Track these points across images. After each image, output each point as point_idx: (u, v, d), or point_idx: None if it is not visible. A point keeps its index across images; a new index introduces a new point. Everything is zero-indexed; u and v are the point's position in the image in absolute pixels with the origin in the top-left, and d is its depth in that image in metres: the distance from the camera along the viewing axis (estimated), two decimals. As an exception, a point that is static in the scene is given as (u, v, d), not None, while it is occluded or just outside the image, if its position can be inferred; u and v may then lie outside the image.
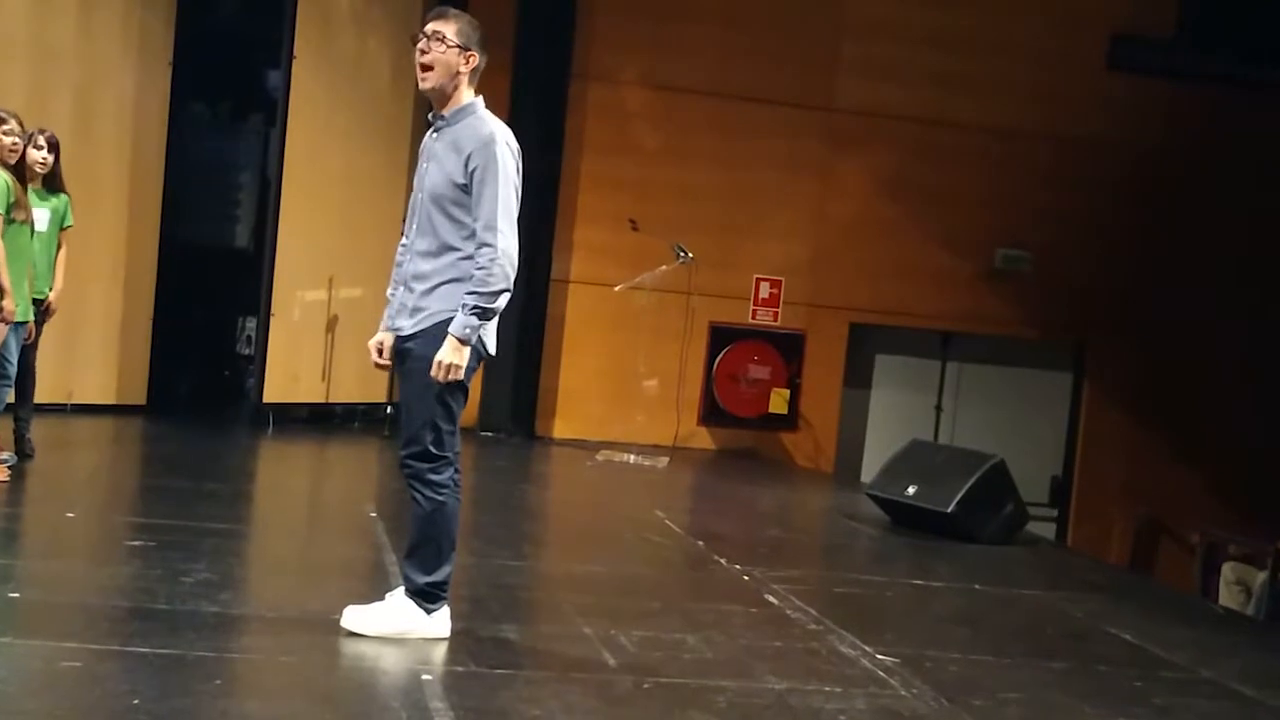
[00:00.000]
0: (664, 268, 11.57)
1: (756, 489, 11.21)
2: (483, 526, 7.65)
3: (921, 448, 9.76)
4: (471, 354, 4.88)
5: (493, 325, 5.00)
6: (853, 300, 13.46)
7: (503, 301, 4.86)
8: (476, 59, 4.97)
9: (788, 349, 13.39)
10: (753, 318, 13.31)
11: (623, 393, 12.41)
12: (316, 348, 11.55)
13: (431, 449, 4.90)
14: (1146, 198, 13.69)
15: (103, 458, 9.83)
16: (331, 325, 11.57)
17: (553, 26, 12.71)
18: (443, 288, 4.90)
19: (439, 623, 5.04)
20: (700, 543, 8.09)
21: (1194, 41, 13.65)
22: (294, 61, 11.00)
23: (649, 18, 12.96)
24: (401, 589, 5.09)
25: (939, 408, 13.95)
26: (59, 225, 8.32)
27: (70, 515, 7.03)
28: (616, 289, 11.63)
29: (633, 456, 11.42)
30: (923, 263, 13.45)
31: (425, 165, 5.01)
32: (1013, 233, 13.64)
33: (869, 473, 12.13)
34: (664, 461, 11.51)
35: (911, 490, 8.93)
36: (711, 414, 13.30)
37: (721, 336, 13.25)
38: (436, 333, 4.85)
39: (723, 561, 7.41)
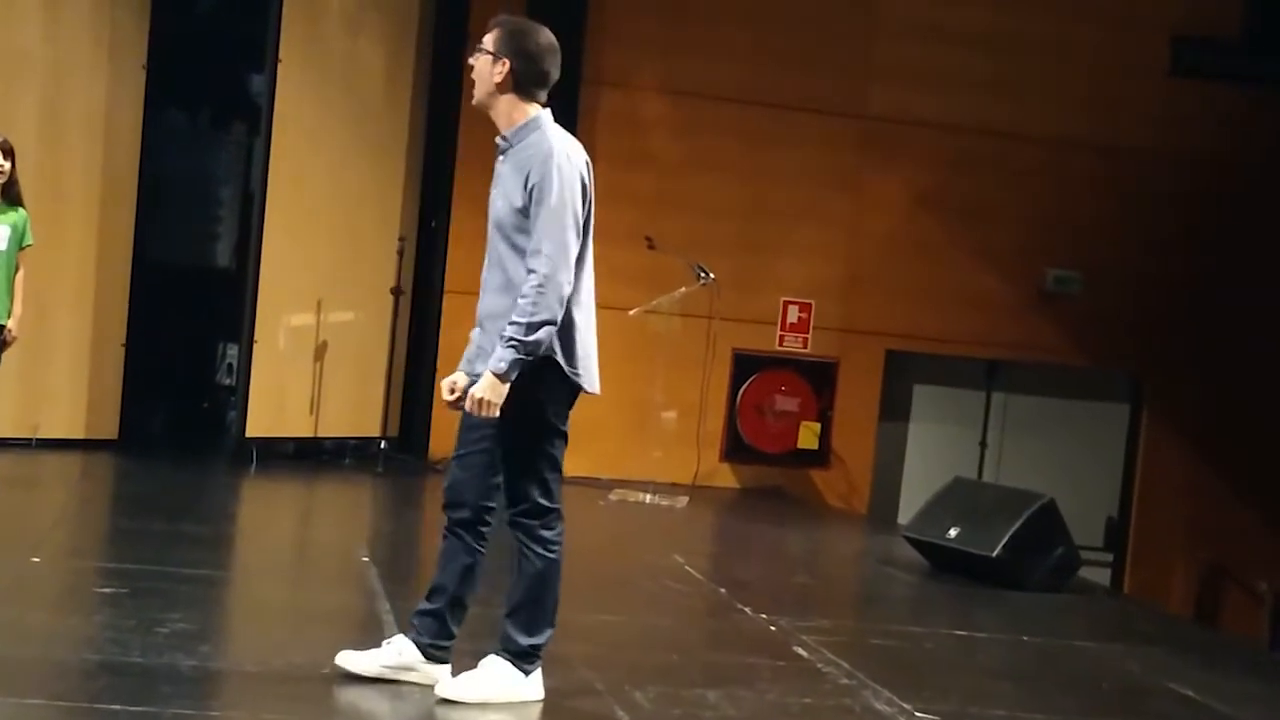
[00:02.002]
0: (683, 290, 11.58)
1: (784, 531, 11.21)
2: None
3: (964, 486, 9.77)
4: (566, 390, 4.88)
5: (593, 357, 4.96)
6: (889, 325, 13.45)
7: (544, 335, 4.74)
8: (508, 65, 4.98)
9: (818, 378, 13.38)
10: (780, 344, 13.31)
11: (638, 426, 12.39)
12: (304, 377, 11.56)
13: (541, 501, 4.91)
14: (1210, 213, 13.65)
15: (71, 497, 9.86)
16: (320, 352, 11.59)
17: (561, 26, 12.61)
18: None
19: (535, 685, 5.06)
20: (722, 590, 8.10)
21: (1261, 44, 13.64)
22: (279, 65, 11.02)
23: (666, 18, 13.00)
24: (400, 636, 5.13)
25: (983, 443, 13.93)
26: (18, 244, 8.35)
27: (35, 560, 7.05)
28: (631, 313, 11.61)
29: (649, 496, 11.42)
30: (965, 285, 13.44)
31: (493, 192, 5.02)
32: (1064, 252, 13.62)
33: (906, 514, 12.11)
34: (683, 501, 11.51)
35: (953, 532, 8.92)
36: (735, 449, 13.30)
37: (746, 365, 13.25)
38: (522, 376, 4.77)
39: (747, 610, 7.41)
